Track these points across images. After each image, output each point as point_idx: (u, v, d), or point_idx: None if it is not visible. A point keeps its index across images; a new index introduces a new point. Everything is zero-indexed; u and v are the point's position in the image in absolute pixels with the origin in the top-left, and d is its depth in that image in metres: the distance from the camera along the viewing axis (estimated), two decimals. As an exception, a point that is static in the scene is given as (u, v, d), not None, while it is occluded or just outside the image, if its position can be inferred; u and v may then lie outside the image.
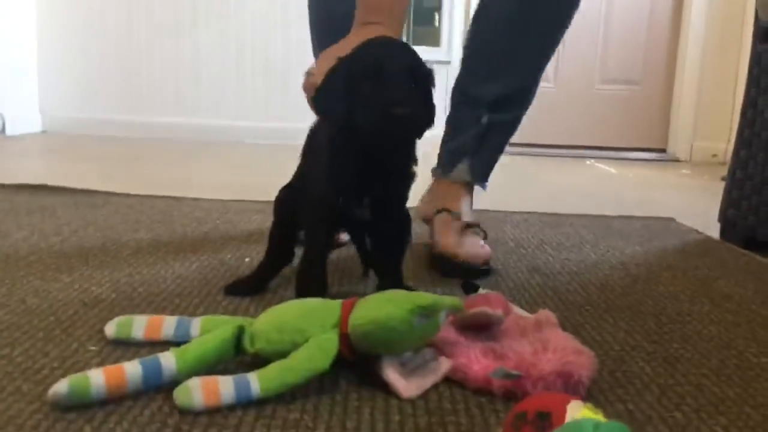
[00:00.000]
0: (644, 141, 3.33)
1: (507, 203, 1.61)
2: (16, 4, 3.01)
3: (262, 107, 3.19)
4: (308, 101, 0.82)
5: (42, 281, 0.88)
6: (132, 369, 0.56)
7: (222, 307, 0.81)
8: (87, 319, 0.75)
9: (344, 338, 0.61)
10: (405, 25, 0.98)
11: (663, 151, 3.32)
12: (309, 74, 0.84)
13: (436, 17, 3.19)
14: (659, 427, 0.56)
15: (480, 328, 0.68)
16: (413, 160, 0.78)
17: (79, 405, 0.54)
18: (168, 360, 0.58)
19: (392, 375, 0.60)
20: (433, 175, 1.15)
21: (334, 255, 1.05)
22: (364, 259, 0.94)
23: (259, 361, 0.60)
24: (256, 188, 1.49)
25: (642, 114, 3.33)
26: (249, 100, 3.19)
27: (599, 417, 0.43)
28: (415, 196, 0.90)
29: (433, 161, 1.16)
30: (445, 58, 3.09)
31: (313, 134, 0.86)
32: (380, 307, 0.60)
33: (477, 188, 1.16)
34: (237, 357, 0.63)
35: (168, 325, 0.69)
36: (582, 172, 2.69)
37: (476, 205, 1.16)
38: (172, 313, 0.78)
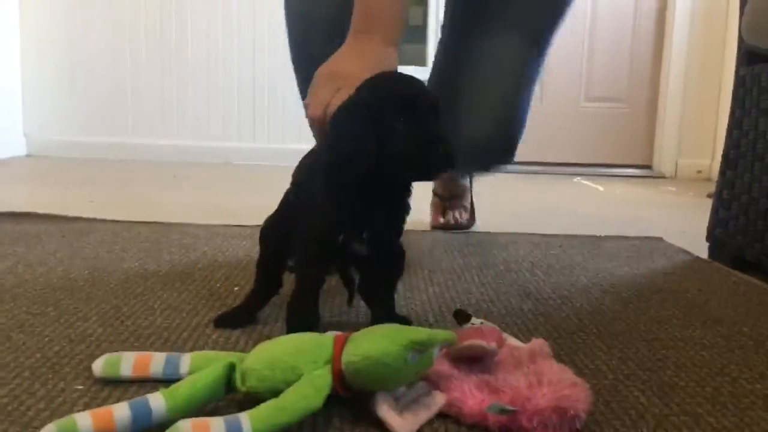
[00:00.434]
0: (630, 158, 3.35)
1: (495, 224, 1.61)
2: None
3: (250, 128, 3.18)
4: (318, 135, 0.82)
5: (28, 315, 0.87)
6: (120, 412, 0.55)
7: (212, 341, 0.80)
8: (74, 355, 0.74)
9: (337, 374, 0.60)
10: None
11: (648, 167, 3.34)
12: (311, 120, 0.83)
13: (423, 36, 3.21)
14: (657, 461, 0.56)
15: (474, 360, 0.67)
16: (409, 191, 0.78)
17: (67, 450, 0.53)
18: (157, 401, 0.57)
19: (386, 411, 0.59)
20: None
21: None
22: (349, 288, 0.92)
23: (250, 399, 0.59)
24: (245, 212, 1.48)
25: (627, 131, 3.36)
26: (236, 121, 3.18)
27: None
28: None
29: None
30: (431, 77, 3.10)
31: (307, 165, 0.83)
32: (374, 343, 0.59)
33: None
34: (228, 395, 0.62)
35: (156, 362, 0.68)
36: (569, 190, 2.71)
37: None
38: (161, 348, 0.77)
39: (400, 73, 0.75)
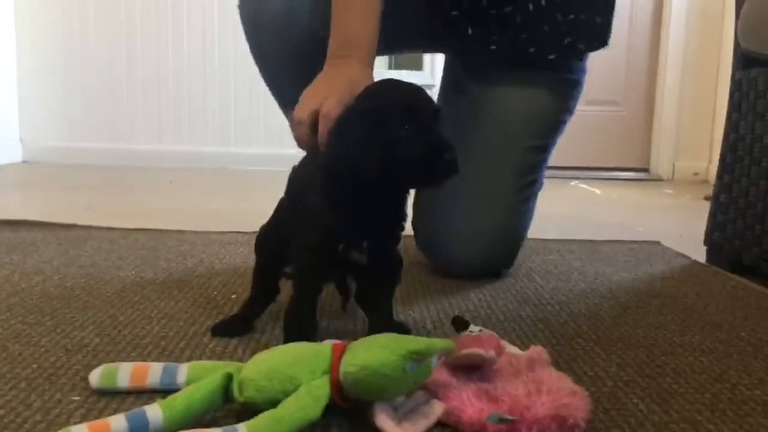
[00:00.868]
0: (627, 161, 3.36)
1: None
2: (-4, 34, 2.99)
3: (246, 133, 3.18)
4: (299, 138, 0.82)
5: (24, 325, 0.86)
6: (117, 424, 0.55)
7: (209, 350, 0.79)
8: (70, 366, 0.73)
9: (335, 384, 0.59)
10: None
11: (646, 170, 3.35)
12: (298, 122, 0.83)
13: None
14: (656, 470, 0.56)
15: (472, 368, 0.67)
16: (407, 199, 0.78)
17: (63, 463, 0.53)
18: (154, 412, 0.56)
19: (385, 421, 0.58)
20: None
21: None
22: (344, 295, 0.92)
23: (248, 410, 0.59)
24: (242, 218, 1.47)
25: (624, 135, 3.36)
26: (233, 127, 3.18)
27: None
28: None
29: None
30: (428, 81, 3.11)
31: (301, 174, 0.83)
32: (372, 353, 0.59)
33: None
34: (225, 405, 0.62)
35: (154, 372, 0.67)
36: (567, 193, 2.71)
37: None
38: (158, 357, 0.77)
39: (401, 81, 0.75)
